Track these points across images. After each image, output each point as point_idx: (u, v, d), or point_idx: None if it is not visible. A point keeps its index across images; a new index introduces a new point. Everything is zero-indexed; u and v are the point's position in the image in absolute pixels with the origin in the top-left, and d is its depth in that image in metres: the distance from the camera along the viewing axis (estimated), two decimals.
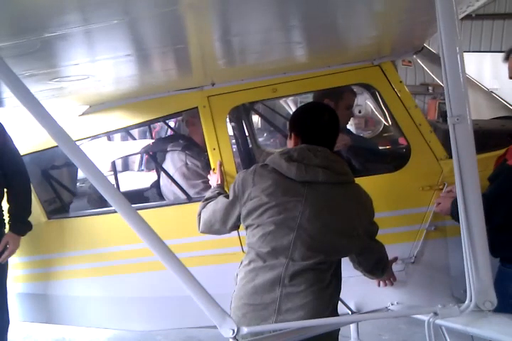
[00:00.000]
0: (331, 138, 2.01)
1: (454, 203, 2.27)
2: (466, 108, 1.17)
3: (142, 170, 9.71)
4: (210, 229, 2.12)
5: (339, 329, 1.96)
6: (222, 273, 2.30)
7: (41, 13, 1.00)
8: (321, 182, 1.87)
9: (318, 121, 1.98)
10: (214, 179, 2.55)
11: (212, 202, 2.12)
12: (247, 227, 1.95)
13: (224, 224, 2.04)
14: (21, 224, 2.72)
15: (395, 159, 2.90)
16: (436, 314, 1.26)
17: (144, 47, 1.78)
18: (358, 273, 2.27)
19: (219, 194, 2.24)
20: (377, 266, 2.20)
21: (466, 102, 1.18)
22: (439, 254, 2.54)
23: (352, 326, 2.81)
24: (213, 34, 1.75)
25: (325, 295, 1.85)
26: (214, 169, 2.62)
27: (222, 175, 2.58)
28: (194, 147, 3.27)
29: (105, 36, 1.36)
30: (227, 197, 2.03)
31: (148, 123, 3.10)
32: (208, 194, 2.34)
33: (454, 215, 2.27)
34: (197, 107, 2.68)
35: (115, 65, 1.89)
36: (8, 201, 2.73)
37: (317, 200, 1.87)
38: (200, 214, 2.16)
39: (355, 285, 2.44)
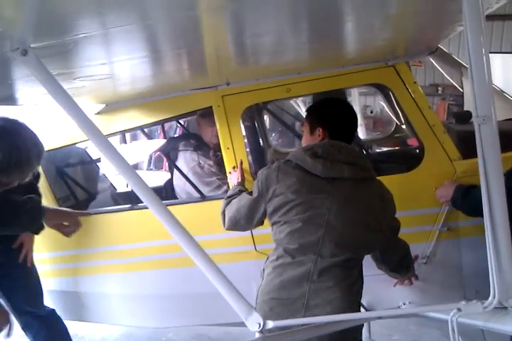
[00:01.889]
0: (354, 133, 2.06)
1: (457, 189, 2.30)
2: (491, 108, 1.19)
3: (151, 169, 9.74)
4: (235, 226, 2.15)
5: (362, 328, 1.98)
6: (235, 272, 2.32)
7: (78, 13, 1.03)
8: (346, 178, 1.88)
9: (349, 115, 2.02)
10: (235, 177, 2.57)
11: (235, 200, 2.13)
12: (273, 224, 1.97)
13: (249, 221, 2.06)
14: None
15: (409, 159, 2.91)
16: (459, 310, 1.28)
17: (161, 49, 1.81)
18: (370, 273, 2.27)
19: (240, 191, 2.26)
20: (401, 263, 2.21)
21: (491, 103, 1.20)
22: (451, 255, 2.54)
23: (364, 325, 2.82)
24: (228, 35, 1.77)
25: (352, 291, 1.88)
26: (235, 167, 2.63)
27: (243, 173, 2.60)
28: (206, 146, 3.31)
29: (130, 37, 1.40)
30: (250, 194, 2.05)
31: (162, 122, 3.12)
32: (229, 192, 2.36)
33: (454, 201, 2.31)
34: (211, 107, 2.70)
35: (135, 65, 1.92)
36: None
37: (343, 197, 1.88)
38: (224, 212, 2.18)
39: (366, 285, 2.45)
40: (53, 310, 2.75)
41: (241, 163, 2.62)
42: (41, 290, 2.73)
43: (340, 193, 1.88)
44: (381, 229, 1.96)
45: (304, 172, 1.90)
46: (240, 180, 2.53)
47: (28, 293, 2.67)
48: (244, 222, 2.08)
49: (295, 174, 1.91)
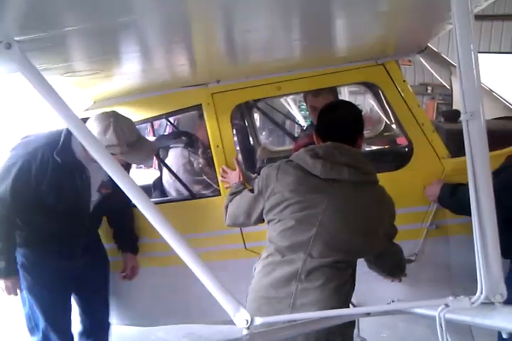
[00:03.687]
0: (351, 136, 1.99)
1: (443, 187, 2.35)
2: (479, 104, 1.20)
3: (140, 167, 9.66)
4: (235, 222, 2.17)
5: (354, 326, 1.96)
6: (224, 269, 2.31)
7: (65, 6, 1.01)
8: (345, 180, 1.86)
9: (336, 118, 2.00)
10: (235, 176, 2.57)
11: (238, 196, 2.15)
12: (268, 222, 1.97)
13: (248, 218, 2.07)
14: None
15: (398, 158, 2.92)
16: (447, 306, 1.29)
17: (150, 45, 1.79)
18: (359, 270, 2.28)
19: (243, 189, 2.27)
20: (395, 267, 2.22)
21: (479, 99, 1.21)
22: (440, 253, 2.57)
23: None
24: (218, 32, 1.76)
25: (341, 292, 1.85)
26: (228, 166, 2.62)
27: (242, 171, 2.60)
28: (196, 144, 3.30)
29: (118, 32, 1.38)
30: (252, 191, 2.06)
31: (152, 120, 3.11)
32: (233, 189, 2.37)
33: (441, 199, 2.37)
34: (201, 104, 2.69)
35: (124, 61, 1.90)
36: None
37: (340, 198, 1.86)
38: (227, 208, 2.20)
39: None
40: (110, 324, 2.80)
41: (237, 161, 2.62)
42: (108, 299, 2.77)
43: (338, 195, 1.86)
44: (377, 235, 1.93)
45: (303, 172, 1.89)
46: (241, 179, 2.53)
47: (103, 298, 2.74)
48: (243, 218, 2.09)
49: (294, 173, 1.90)
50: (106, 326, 2.78)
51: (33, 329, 2.51)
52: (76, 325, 2.74)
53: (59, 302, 2.54)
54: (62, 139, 2.32)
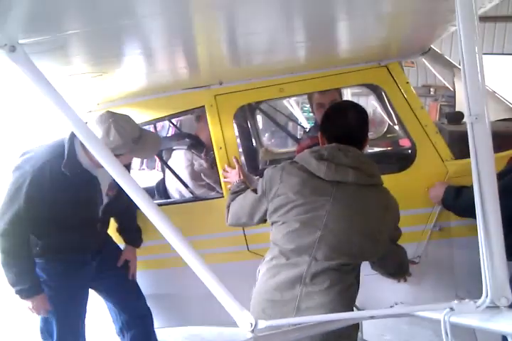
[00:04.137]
0: (357, 137, 1.98)
1: (447, 190, 2.34)
2: (484, 107, 1.20)
3: (143, 169, 9.68)
4: (237, 221, 2.16)
5: (358, 328, 1.95)
6: (228, 272, 2.31)
7: (69, 9, 1.02)
8: (350, 182, 1.85)
9: (344, 122, 1.97)
10: (235, 174, 2.55)
11: (240, 196, 2.14)
12: (272, 223, 1.96)
13: (251, 219, 2.06)
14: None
15: (401, 159, 2.92)
16: (452, 309, 1.28)
17: (153, 47, 1.79)
18: (362, 273, 2.28)
19: (246, 188, 2.26)
20: (399, 268, 2.22)
21: (484, 101, 1.20)
22: (443, 255, 2.56)
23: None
24: (221, 34, 1.76)
25: (346, 295, 1.84)
26: (230, 165, 2.62)
27: (242, 170, 2.58)
28: (200, 146, 3.30)
29: (121, 35, 1.38)
30: (255, 191, 2.05)
31: (155, 122, 3.11)
32: (234, 188, 2.36)
33: (445, 201, 2.36)
34: (204, 106, 2.69)
35: (127, 63, 1.91)
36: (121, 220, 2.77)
37: (345, 201, 1.85)
38: (228, 207, 2.19)
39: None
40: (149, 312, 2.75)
41: (237, 160, 2.61)
42: (137, 288, 2.73)
43: (342, 197, 1.85)
44: (381, 238, 1.92)
45: (307, 174, 1.88)
46: (241, 177, 2.51)
47: (131, 287, 2.70)
48: (246, 219, 2.09)
49: (299, 175, 1.89)
50: (145, 315, 2.73)
51: (47, 338, 2.50)
52: (111, 325, 2.74)
53: (75, 310, 2.53)
54: (66, 151, 2.28)
